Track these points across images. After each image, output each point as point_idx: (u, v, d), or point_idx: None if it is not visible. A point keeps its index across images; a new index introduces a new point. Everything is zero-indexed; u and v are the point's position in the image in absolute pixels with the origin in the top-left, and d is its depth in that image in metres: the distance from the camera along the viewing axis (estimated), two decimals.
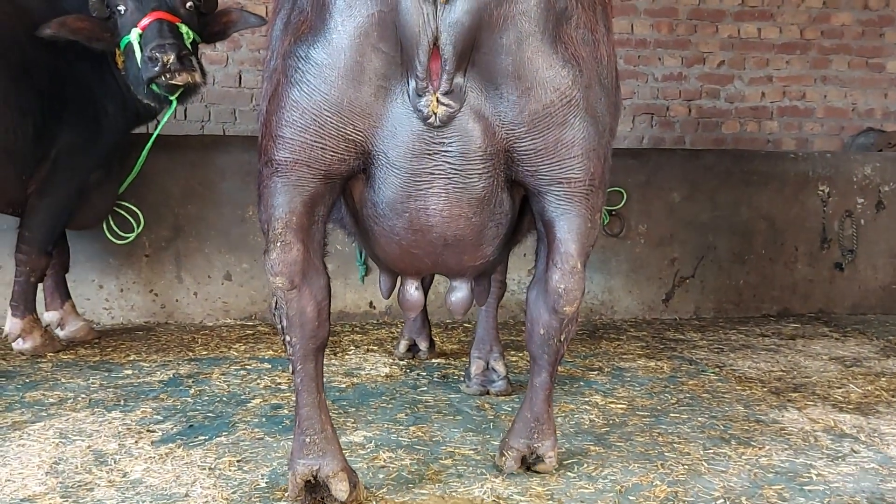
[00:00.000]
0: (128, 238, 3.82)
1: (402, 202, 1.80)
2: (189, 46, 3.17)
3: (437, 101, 1.68)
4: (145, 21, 3.09)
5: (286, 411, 2.61)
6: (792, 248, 4.63)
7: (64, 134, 3.30)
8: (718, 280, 4.59)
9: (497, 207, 1.87)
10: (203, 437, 2.35)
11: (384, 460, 2.18)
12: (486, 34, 1.66)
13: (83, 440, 2.31)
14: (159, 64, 2.99)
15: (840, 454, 2.30)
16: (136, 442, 2.30)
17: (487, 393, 2.83)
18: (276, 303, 1.79)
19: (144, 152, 3.58)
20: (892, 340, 3.98)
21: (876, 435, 2.47)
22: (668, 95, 5.56)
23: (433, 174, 1.76)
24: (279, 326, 1.82)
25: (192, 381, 2.95)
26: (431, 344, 3.41)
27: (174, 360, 3.32)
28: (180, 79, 3.05)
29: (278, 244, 1.75)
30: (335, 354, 3.44)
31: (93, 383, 2.92)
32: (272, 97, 1.80)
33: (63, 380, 2.96)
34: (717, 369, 3.32)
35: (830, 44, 5.66)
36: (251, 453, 2.23)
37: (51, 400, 2.71)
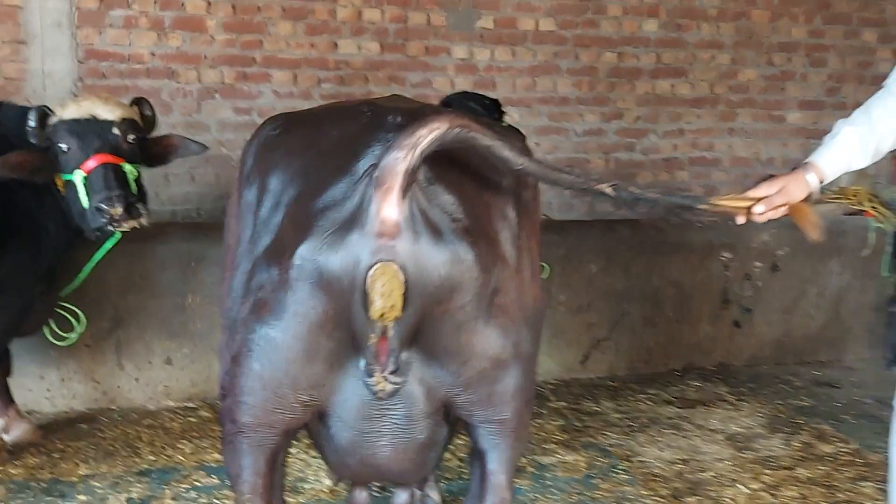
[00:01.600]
0: (69, 339, 3.91)
1: (354, 449, 2.04)
2: (134, 184, 3.27)
3: (385, 378, 1.92)
4: (90, 164, 3.17)
5: None
6: (696, 310, 5.06)
7: (8, 258, 3.37)
8: (631, 341, 4.99)
9: (437, 438, 2.13)
10: None
11: None
12: (429, 324, 1.90)
13: None
14: (108, 216, 3.10)
15: None
16: None
17: None
18: None
19: (87, 268, 3.67)
20: (780, 407, 4.46)
21: None
22: (588, 149, 5.86)
23: (381, 432, 2.00)
24: None
25: None
26: None
27: (124, 473, 3.50)
28: (127, 226, 3.17)
29: None
30: None
31: None
32: (235, 361, 2.00)
33: None
34: (628, 463, 3.70)
35: (737, 98, 6.03)
36: None
37: None
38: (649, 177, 5.98)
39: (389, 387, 1.92)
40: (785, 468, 3.66)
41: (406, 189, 1.76)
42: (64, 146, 3.23)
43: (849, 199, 5.20)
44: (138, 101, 3.57)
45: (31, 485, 3.37)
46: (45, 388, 4.15)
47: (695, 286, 5.03)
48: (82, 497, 3.28)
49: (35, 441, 3.77)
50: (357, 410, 1.97)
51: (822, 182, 2.14)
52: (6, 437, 3.72)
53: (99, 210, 3.12)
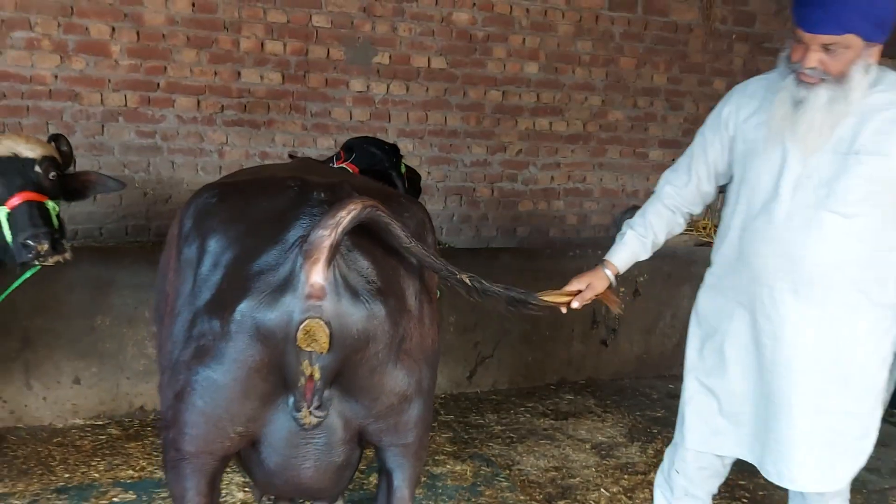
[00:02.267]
0: None
1: (281, 471, 2.40)
2: (56, 220, 3.47)
3: (310, 412, 2.29)
4: (14, 201, 3.34)
5: None
6: (569, 330, 5.65)
7: None
8: (512, 358, 5.52)
9: (351, 459, 2.52)
10: None
11: None
12: (347, 367, 2.29)
13: None
14: (34, 251, 3.29)
15: None
16: None
17: None
18: None
19: (2, 296, 3.82)
20: (638, 417, 5.09)
21: None
22: (475, 179, 6.37)
23: (305, 456, 2.37)
24: None
25: None
26: None
27: (41, 491, 3.69)
28: (52, 261, 3.36)
29: None
30: None
31: None
32: (178, 398, 2.31)
33: None
34: (507, 471, 4.20)
35: (606, 136, 6.71)
36: None
37: None
38: (529, 205, 6.56)
39: (314, 419, 2.30)
40: (640, 473, 4.25)
41: (330, 260, 2.15)
42: None
43: (699, 231, 5.94)
44: (55, 138, 3.74)
45: None
46: None
47: (568, 309, 5.59)
48: None
49: None
50: (285, 439, 2.34)
51: (616, 275, 2.85)
52: None
53: (25, 246, 3.30)
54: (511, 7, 6.27)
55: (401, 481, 2.55)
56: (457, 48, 6.18)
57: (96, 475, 3.89)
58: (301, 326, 2.14)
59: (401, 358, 2.39)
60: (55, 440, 4.25)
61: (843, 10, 2.23)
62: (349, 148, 4.21)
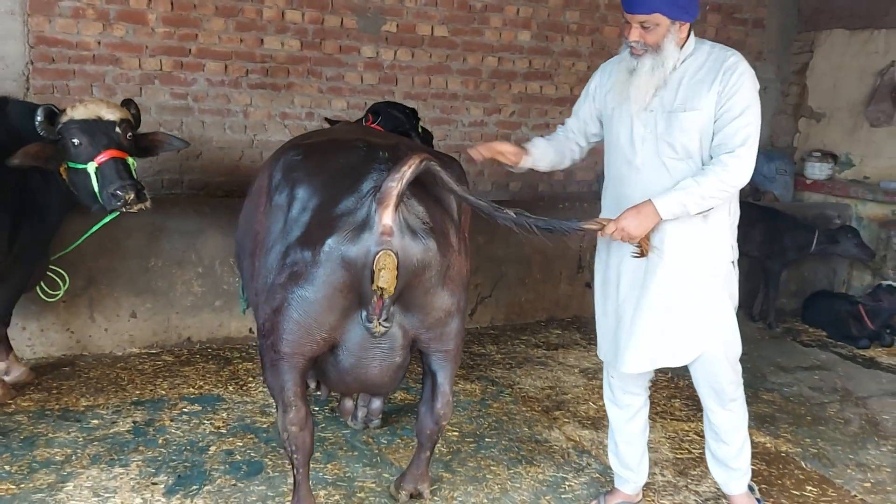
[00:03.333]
0: (56, 296, 4.65)
1: (354, 369, 3.09)
2: (134, 173, 4.08)
3: (380, 324, 2.98)
4: (101, 158, 3.94)
5: (239, 457, 3.84)
6: (558, 273, 6.38)
7: (22, 235, 4.08)
8: (507, 297, 6.25)
9: (405, 362, 3.22)
10: (195, 487, 3.54)
11: (323, 497, 3.54)
12: (407, 291, 2.96)
13: (113, 496, 3.43)
14: (122, 200, 3.90)
15: (581, 467, 3.99)
16: (152, 495, 3.46)
17: (367, 427, 4.22)
18: (288, 437, 3.04)
19: (82, 238, 4.43)
20: None
21: (600, 447, 4.18)
22: (473, 138, 7.00)
23: (373, 357, 3.06)
24: (289, 450, 3.07)
25: (154, 431, 4.05)
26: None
27: (121, 404, 4.35)
28: (136, 208, 3.98)
29: (292, 408, 2.99)
30: (242, 389, 4.65)
31: (77, 437, 3.92)
32: (276, 312, 2.98)
33: (49, 434, 3.94)
34: (510, 389, 4.95)
35: None
36: (235, 499, 3.47)
37: (58, 458, 3.72)
38: None
39: (382, 329, 2.98)
40: None
41: (397, 205, 2.82)
42: (76, 141, 3.96)
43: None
44: (127, 103, 4.33)
45: (46, 413, 4.17)
46: (26, 337, 4.86)
47: (557, 255, 6.32)
48: (95, 421, 4.12)
49: (30, 381, 4.52)
50: (359, 344, 3.02)
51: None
52: (6, 378, 4.45)
53: (114, 196, 3.91)
54: None
55: (443, 379, 3.27)
56: (457, 17, 6.75)
57: (162, 392, 4.56)
58: (377, 256, 2.82)
59: (446, 283, 3.08)
60: (118, 365, 4.91)
61: None
62: (376, 112, 4.82)
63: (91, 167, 3.97)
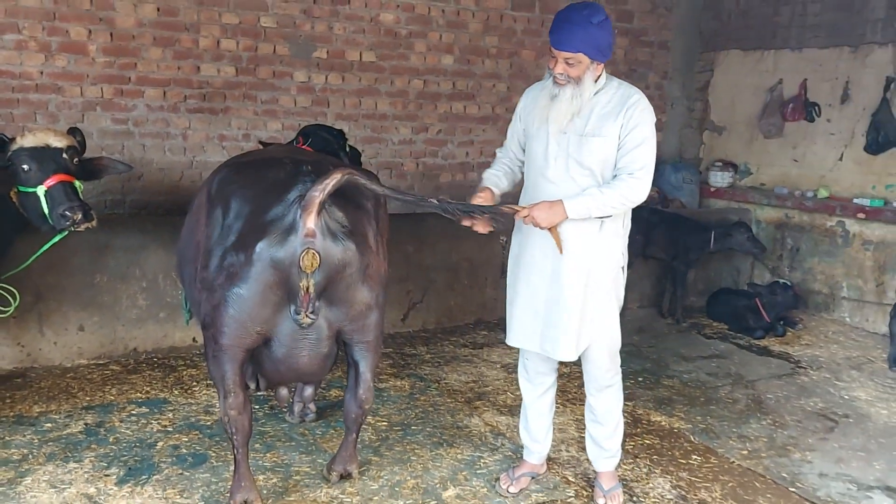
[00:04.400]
0: (7, 312, 4.93)
1: (286, 359, 3.49)
2: (81, 195, 4.42)
3: (307, 315, 3.39)
4: (50, 182, 4.27)
5: (184, 450, 4.20)
6: (483, 279, 6.86)
7: None
8: (437, 302, 6.70)
9: (332, 352, 3.63)
10: (144, 477, 3.90)
11: (262, 481, 3.92)
12: (331, 285, 3.39)
13: (69, 487, 3.76)
14: (70, 220, 4.23)
15: (496, 447, 4.45)
16: (105, 485, 3.80)
17: (303, 421, 4.61)
18: (229, 421, 3.43)
19: (33, 257, 4.74)
20: None
21: (514, 430, 4.64)
22: (402, 155, 7.47)
23: (302, 347, 3.47)
24: (230, 432, 3.45)
25: (105, 431, 4.38)
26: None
27: (72, 409, 4.67)
28: (83, 227, 4.31)
29: (232, 394, 3.38)
30: (187, 392, 5.00)
31: (32, 439, 4.23)
32: (216, 308, 3.37)
33: (6, 438, 4.24)
34: (437, 384, 5.39)
35: (511, 117, 7.89)
36: (182, 486, 3.84)
37: (15, 457, 4.03)
38: (448, 177, 7.73)
39: (308, 320, 3.39)
40: None
41: (319, 212, 3.26)
42: (26, 167, 4.28)
43: None
44: (73, 131, 4.66)
45: (1, 420, 4.47)
46: None
47: (482, 261, 6.81)
48: (48, 425, 4.43)
49: None
50: (289, 335, 3.42)
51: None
52: None
53: (63, 216, 4.23)
54: (429, 8, 7.36)
55: (364, 368, 3.70)
56: (384, 43, 7.24)
57: (111, 397, 4.89)
58: (301, 255, 3.24)
59: (366, 279, 3.52)
60: (68, 375, 5.21)
61: (574, 38, 3.40)
62: (306, 134, 5.25)
63: (41, 191, 4.30)
